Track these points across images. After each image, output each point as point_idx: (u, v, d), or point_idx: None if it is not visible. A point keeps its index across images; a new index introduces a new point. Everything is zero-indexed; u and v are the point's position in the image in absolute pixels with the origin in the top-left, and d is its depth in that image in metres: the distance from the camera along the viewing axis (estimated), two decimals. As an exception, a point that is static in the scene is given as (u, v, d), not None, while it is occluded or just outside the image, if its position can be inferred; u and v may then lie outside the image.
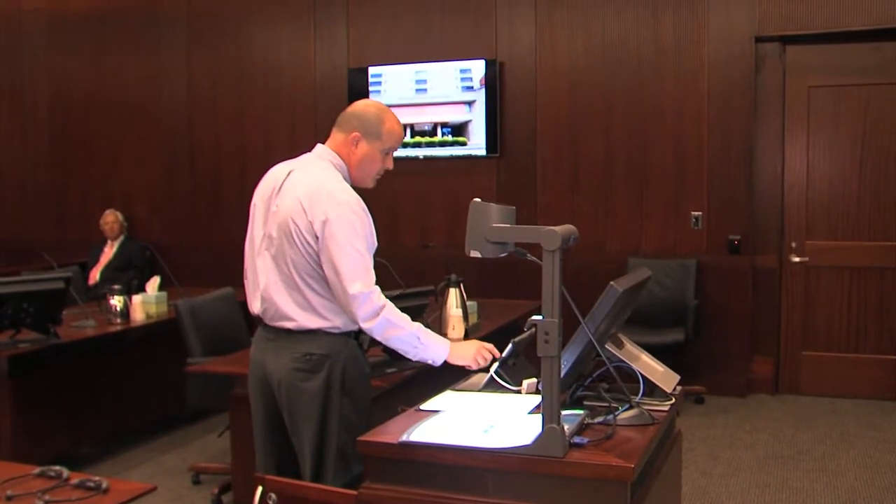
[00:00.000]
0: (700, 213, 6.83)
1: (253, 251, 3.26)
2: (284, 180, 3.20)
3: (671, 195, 6.90)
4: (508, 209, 2.55)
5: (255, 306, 3.26)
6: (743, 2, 6.62)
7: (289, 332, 3.15)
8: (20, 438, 4.82)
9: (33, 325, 4.91)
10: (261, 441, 3.31)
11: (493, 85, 7.21)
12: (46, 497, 2.26)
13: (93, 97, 8.69)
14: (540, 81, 7.19)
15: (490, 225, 2.50)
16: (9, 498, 2.26)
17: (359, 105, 3.33)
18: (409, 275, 5.53)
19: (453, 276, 4.60)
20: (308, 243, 3.08)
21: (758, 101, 6.71)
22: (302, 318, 3.12)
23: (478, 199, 2.54)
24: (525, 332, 2.91)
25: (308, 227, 3.07)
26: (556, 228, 2.36)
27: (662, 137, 6.89)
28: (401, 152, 7.47)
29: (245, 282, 3.34)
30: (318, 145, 3.29)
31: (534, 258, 2.50)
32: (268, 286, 3.17)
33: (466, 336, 4.61)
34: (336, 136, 3.25)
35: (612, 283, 2.63)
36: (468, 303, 4.74)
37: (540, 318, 2.37)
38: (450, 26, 7.43)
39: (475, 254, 2.53)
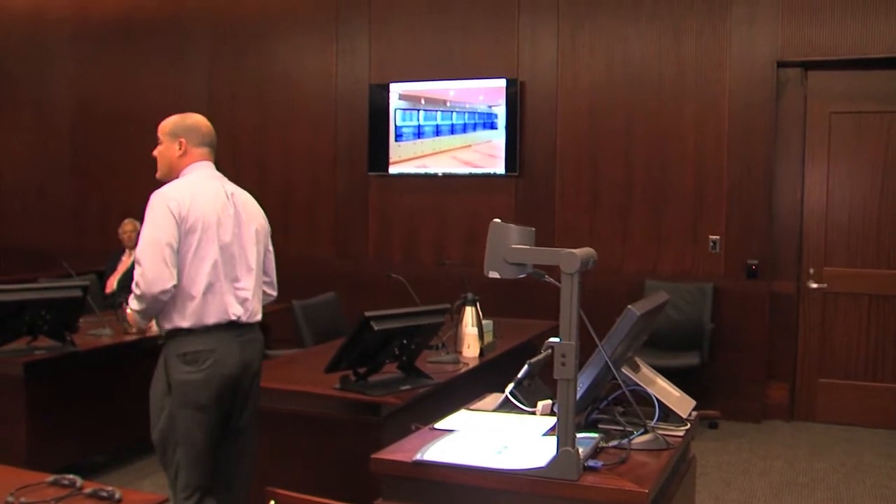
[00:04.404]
0: (718, 237, 6.81)
1: (231, 260, 3.55)
2: (229, 193, 3.70)
3: (689, 218, 6.88)
4: (528, 230, 2.54)
5: (238, 311, 3.55)
6: (765, 26, 6.61)
7: (253, 325, 3.65)
8: (34, 445, 4.83)
9: (50, 333, 4.94)
10: (208, 450, 3.51)
11: (514, 104, 7.22)
12: (60, 505, 2.26)
13: (115, 109, 8.75)
14: (561, 101, 7.19)
15: (509, 246, 2.50)
16: (22, 505, 2.26)
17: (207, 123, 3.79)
18: (425, 292, 5.53)
19: (469, 295, 4.60)
20: (266, 247, 3.78)
21: (778, 126, 6.70)
22: (260, 311, 3.70)
23: (498, 220, 2.54)
24: (542, 353, 2.91)
25: (266, 233, 3.78)
26: (576, 251, 2.36)
27: (682, 160, 6.88)
28: (420, 170, 7.51)
29: (217, 286, 3.50)
30: (209, 163, 3.75)
31: (552, 280, 2.50)
32: (254, 287, 3.62)
33: (481, 355, 4.61)
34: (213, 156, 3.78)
35: (629, 306, 2.63)
36: (484, 321, 4.74)
37: (557, 340, 2.36)
38: (472, 45, 7.45)
39: (494, 274, 2.53)
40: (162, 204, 3.43)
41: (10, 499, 2.28)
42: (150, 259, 3.37)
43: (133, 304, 3.46)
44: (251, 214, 3.72)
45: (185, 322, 3.47)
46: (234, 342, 3.54)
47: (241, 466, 3.69)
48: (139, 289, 3.38)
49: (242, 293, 3.58)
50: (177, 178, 3.64)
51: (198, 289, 3.46)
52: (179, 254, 3.43)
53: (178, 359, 3.47)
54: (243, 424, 3.64)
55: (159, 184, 3.64)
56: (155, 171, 3.74)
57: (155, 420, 3.56)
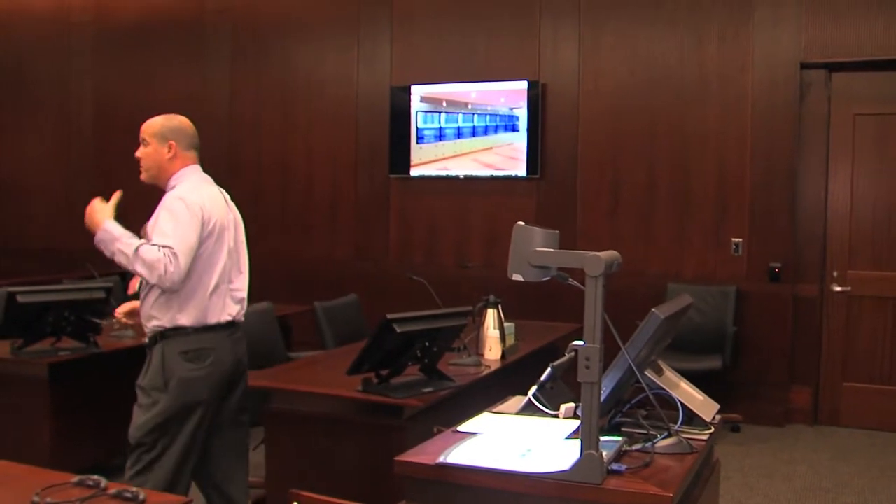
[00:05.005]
0: (741, 239, 6.77)
1: (231, 262, 3.67)
2: (226, 198, 3.76)
3: (712, 221, 6.85)
4: (552, 233, 2.54)
5: (234, 310, 3.67)
6: (789, 28, 6.58)
7: (240, 323, 3.75)
8: (58, 445, 4.85)
9: (74, 334, 4.96)
10: (196, 449, 3.61)
11: (536, 106, 7.21)
12: (85, 506, 2.28)
13: (136, 111, 8.69)
14: (582, 103, 7.18)
15: (533, 249, 2.49)
16: (48, 505, 2.27)
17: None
18: (446, 294, 5.52)
19: (491, 297, 4.60)
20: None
21: (802, 128, 6.66)
22: None
23: (521, 223, 2.53)
24: (565, 356, 2.90)
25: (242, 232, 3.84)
26: (600, 254, 2.35)
27: (705, 162, 6.85)
28: (441, 172, 7.51)
29: (221, 288, 3.61)
30: (199, 167, 3.76)
31: (575, 283, 2.49)
32: (246, 288, 3.76)
33: (503, 358, 4.60)
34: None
35: (653, 309, 2.62)
36: (505, 324, 4.72)
37: (581, 343, 2.36)
38: (493, 47, 7.44)
39: (517, 277, 2.52)
40: (190, 208, 3.49)
41: (36, 499, 2.30)
42: (185, 256, 3.44)
43: (149, 276, 3.46)
44: (239, 218, 3.86)
45: (188, 321, 3.54)
46: (227, 340, 3.66)
47: (235, 463, 3.79)
48: (167, 279, 3.41)
49: (238, 294, 3.73)
50: (166, 180, 3.68)
51: (207, 291, 3.56)
52: (195, 256, 3.51)
53: (180, 356, 3.54)
54: (228, 418, 3.73)
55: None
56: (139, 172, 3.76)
57: (140, 415, 3.58)
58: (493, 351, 4.60)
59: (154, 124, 3.73)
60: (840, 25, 6.44)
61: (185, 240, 3.44)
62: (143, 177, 3.74)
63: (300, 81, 8.18)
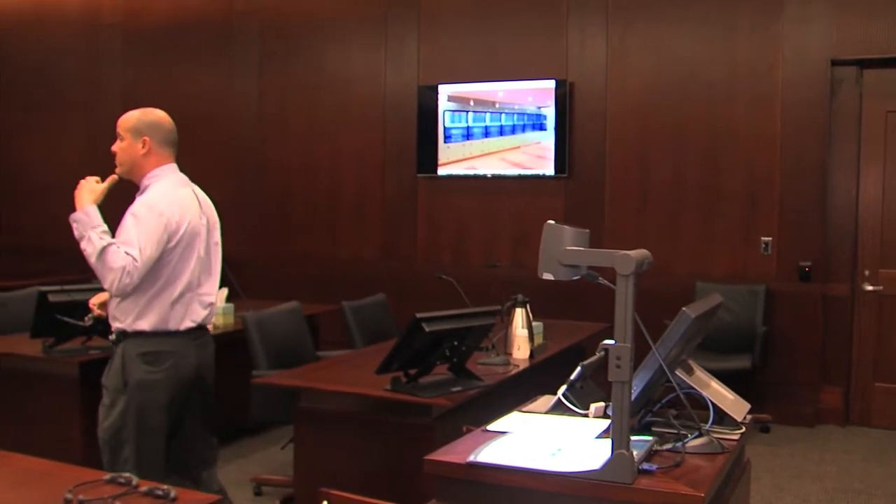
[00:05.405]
0: (770, 238, 6.72)
1: (200, 268, 3.64)
2: (201, 200, 3.72)
3: (741, 219, 6.80)
4: (582, 232, 2.53)
5: (200, 316, 3.65)
6: (820, 24, 6.52)
7: (207, 328, 3.76)
8: (89, 443, 4.87)
9: (104, 333, 4.98)
10: (160, 448, 3.60)
11: (563, 105, 7.19)
12: (117, 503, 2.29)
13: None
14: (610, 102, 7.15)
15: (563, 247, 2.48)
16: (81, 502, 2.29)
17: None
18: (474, 294, 5.53)
19: (520, 297, 4.59)
20: (216, 242, 3.81)
21: (833, 126, 6.60)
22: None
23: (552, 221, 2.52)
24: (595, 355, 2.89)
25: (218, 230, 3.84)
26: (631, 253, 2.34)
27: (733, 160, 6.80)
28: (468, 171, 7.50)
29: (187, 296, 3.59)
30: (175, 166, 3.73)
31: (606, 282, 2.48)
32: (216, 291, 3.76)
33: (532, 357, 4.59)
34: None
35: (684, 308, 2.60)
36: (534, 323, 4.72)
37: (611, 342, 2.34)
38: (520, 46, 7.43)
39: (548, 276, 2.51)
40: (158, 217, 3.47)
41: (69, 496, 2.31)
42: (143, 267, 3.41)
43: (103, 276, 3.41)
44: (213, 220, 3.82)
45: (147, 326, 3.53)
46: (191, 345, 3.64)
47: (203, 448, 3.85)
48: (119, 287, 3.39)
49: (207, 298, 3.70)
50: (141, 177, 3.65)
51: (169, 299, 3.54)
52: (159, 265, 3.49)
53: (138, 358, 3.53)
54: (193, 412, 3.75)
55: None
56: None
57: (104, 417, 3.62)
58: (521, 350, 4.59)
59: (130, 118, 3.70)
60: (872, 22, 6.38)
61: (147, 251, 3.41)
62: (117, 171, 3.69)
63: (327, 81, 8.20)
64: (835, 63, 6.52)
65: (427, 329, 3.62)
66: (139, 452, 3.54)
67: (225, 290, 5.94)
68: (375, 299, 6.12)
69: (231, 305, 5.85)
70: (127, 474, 2.48)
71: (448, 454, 2.63)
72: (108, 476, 2.49)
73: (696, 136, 6.91)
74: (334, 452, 3.98)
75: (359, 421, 3.91)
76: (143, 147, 3.63)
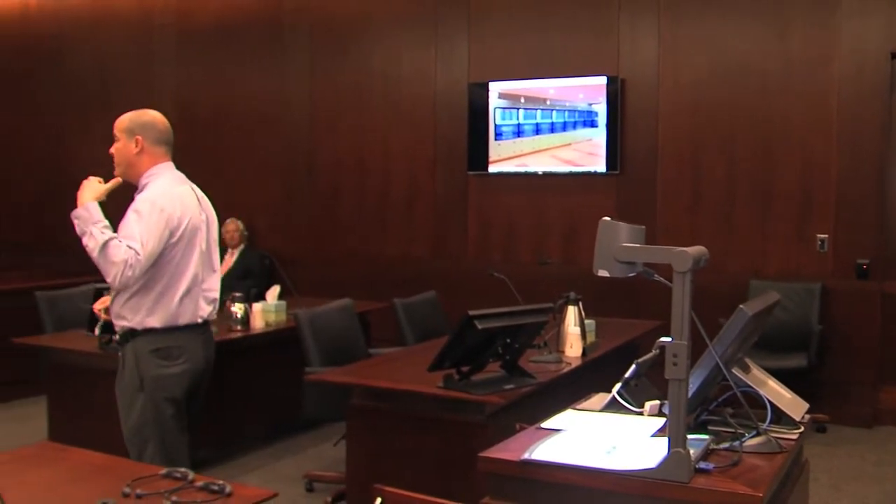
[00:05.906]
0: (826, 235, 6.61)
1: (203, 263, 3.68)
2: (199, 197, 3.78)
3: (796, 216, 6.70)
4: (638, 228, 2.50)
5: (206, 311, 3.71)
6: (878, 16, 6.39)
7: (210, 322, 3.81)
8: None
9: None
10: (180, 440, 3.67)
11: (615, 101, 7.14)
12: (174, 498, 2.32)
13: (218, 110, 8.95)
14: (662, 98, 7.08)
15: (619, 244, 2.46)
16: (138, 496, 2.33)
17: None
18: (525, 291, 5.52)
19: (572, 294, 4.57)
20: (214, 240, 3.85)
21: (892, 120, 6.47)
22: None
23: (607, 218, 2.50)
24: (652, 352, 2.86)
25: (216, 228, 3.88)
26: (688, 250, 2.31)
27: (788, 156, 6.70)
28: (519, 168, 7.49)
29: (193, 291, 3.64)
30: (172, 164, 3.78)
31: (662, 279, 2.46)
32: (218, 287, 3.80)
33: (584, 355, 4.57)
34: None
35: (741, 306, 2.57)
36: (586, 321, 4.69)
37: (668, 339, 2.32)
38: (571, 43, 7.39)
39: (603, 273, 2.49)
40: (160, 213, 3.53)
41: (127, 489, 2.35)
42: (146, 261, 3.46)
43: (106, 271, 3.46)
44: (212, 217, 3.87)
45: (157, 323, 3.58)
46: (198, 339, 3.72)
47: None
48: (121, 281, 3.44)
49: (211, 294, 3.75)
50: (137, 176, 3.70)
51: (177, 295, 3.58)
52: (163, 261, 3.54)
53: (151, 354, 3.57)
54: (194, 406, 3.82)
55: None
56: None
57: (125, 417, 3.65)
58: (573, 348, 4.57)
59: (123, 120, 3.77)
60: (931, 14, 6.25)
61: (149, 246, 3.46)
62: (115, 172, 3.76)
63: (378, 79, 8.23)
64: (895, 56, 6.39)
65: (479, 326, 3.61)
66: (164, 448, 3.60)
67: (277, 288, 5.99)
68: (426, 297, 6.12)
69: (283, 303, 5.88)
70: (183, 469, 2.51)
71: (502, 451, 2.63)
72: (164, 471, 2.52)
73: (749, 131, 6.81)
74: (386, 449, 3.99)
75: (411, 418, 3.92)
76: (137, 146, 3.69)
